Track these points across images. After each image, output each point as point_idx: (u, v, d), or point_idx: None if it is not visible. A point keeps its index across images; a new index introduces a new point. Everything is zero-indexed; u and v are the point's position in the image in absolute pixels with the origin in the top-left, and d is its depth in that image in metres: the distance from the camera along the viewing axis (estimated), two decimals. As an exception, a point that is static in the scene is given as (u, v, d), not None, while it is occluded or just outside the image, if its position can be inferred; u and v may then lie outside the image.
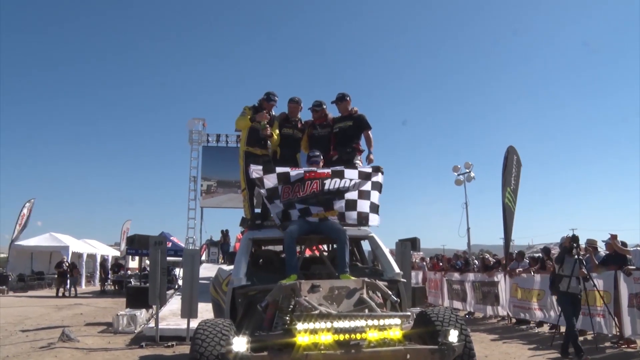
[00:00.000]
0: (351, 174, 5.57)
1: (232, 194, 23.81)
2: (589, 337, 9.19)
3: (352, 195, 5.58)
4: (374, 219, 5.70)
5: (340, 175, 5.51)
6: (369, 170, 5.69)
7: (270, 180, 5.55)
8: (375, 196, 5.72)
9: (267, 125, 6.19)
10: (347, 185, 5.53)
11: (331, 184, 5.48)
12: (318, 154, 5.86)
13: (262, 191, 5.63)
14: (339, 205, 5.51)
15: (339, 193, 5.51)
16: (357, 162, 6.36)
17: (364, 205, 5.62)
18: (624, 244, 9.01)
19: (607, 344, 8.60)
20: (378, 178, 5.73)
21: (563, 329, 8.77)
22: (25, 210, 26.92)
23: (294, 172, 5.52)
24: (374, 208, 5.71)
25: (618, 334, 8.52)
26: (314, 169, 5.59)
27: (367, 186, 5.67)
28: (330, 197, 5.48)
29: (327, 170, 5.53)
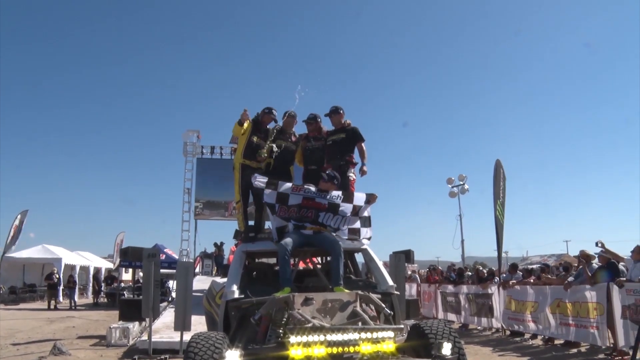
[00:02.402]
0: (345, 209, 5.65)
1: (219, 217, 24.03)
2: (583, 349, 9.23)
3: (342, 234, 5.80)
4: (364, 236, 5.98)
5: (335, 210, 5.60)
6: (362, 203, 5.77)
7: (269, 196, 5.62)
8: (366, 232, 5.95)
9: (266, 155, 6.22)
10: (338, 224, 5.70)
11: (324, 218, 5.59)
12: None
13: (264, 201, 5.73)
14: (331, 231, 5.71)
15: (331, 229, 5.70)
16: (350, 174, 6.40)
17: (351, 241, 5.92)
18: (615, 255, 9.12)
19: (601, 355, 8.61)
20: (366, 212, 5.88)
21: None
22: (17, 222, 26.75)
23: (292, 196, 5.58)
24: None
25: (612, 345, 8.54)
26: (312, 195, 5.58)
27: (357, 224, 5.85)
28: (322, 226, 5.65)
29: (325, 202, 5.58)
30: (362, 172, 6.32)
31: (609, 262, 9.00)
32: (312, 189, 5.67)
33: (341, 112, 6.49)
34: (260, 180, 5.67)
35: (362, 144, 6.44)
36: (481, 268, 15.65)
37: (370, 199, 5.81)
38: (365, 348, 3.93)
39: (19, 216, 26.96)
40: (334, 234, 5.67)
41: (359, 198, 5.80)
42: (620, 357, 8.18)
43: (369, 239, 6.00)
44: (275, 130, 6.43)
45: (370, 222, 5.96)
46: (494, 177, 12.82)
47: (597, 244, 9.19)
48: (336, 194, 5.66)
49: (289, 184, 5.69)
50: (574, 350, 9.28)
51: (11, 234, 26.20)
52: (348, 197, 5.71)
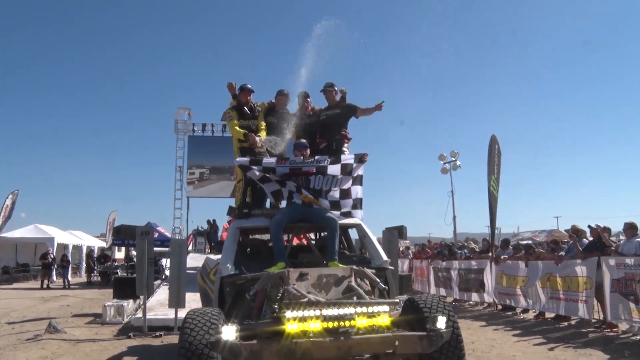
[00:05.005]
0: (334, 170, 5.61)
1: (226, 182, 23.55)
2: (573, 322, 9.37)
3: (334, 194, 5.76)
4: (357, 214, 5.97)
5: (324, 172, 5.57)
6: (352, 162, 5.72)
7: (257, 170, 5.58)
8: (357, 191, 5.93)
9: (257, 141, 6.29)
10: (329, 184, 5.64)
11: (315, 181, 5.56)
12: (304, 141, 5.90)
13: (254, 175, 5.69)
14: (324, 203, 5.63)
15: (323, 192, 5.63)
16: (345, 149, 6.42)
17: (347, 205, 5.89)
18: (607, 229, 9.25)
19: (591, 328, 8.75)
20: (360, 171, 5.85)
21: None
22: (8, 202, 26.58)
23: (279, 168, 5.55)
24: (357, 204, 5.95)
25: (601, 318, 8.68)
26: (299, 164, 5.58)
27: (349, 183, 5.81)
28: (315, 194, 5.57)
29: (312, 168, 5.55)
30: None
31: (600, 237, 9.10)
32: (297, 159, 5.66)
33: (335, 88, 6.54)
34: (243, 161, 5.67)
35: (360, 108, 6.55)
36: (473, 244, 15.71)
37: (362, 157, 5.77)
38: (361, 322, 3.96)
39: (10, 196, 26.78)
40: (326, 202, 5.63)
41: (347, 157, 5.80)
42: (609, 330, 8.32)
43: (359, 202, 5.97)
44: (264, 106, 6.60)
45: (362, 181, 5.94)
46: (488, 152, 12.84)
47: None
48: (322, 158, 5.67)
49: (272, 158, 5.69)
50: (565, 324, 9.42)
51: (2, 214, 26.05)
52: (335, 160, 5.71)
